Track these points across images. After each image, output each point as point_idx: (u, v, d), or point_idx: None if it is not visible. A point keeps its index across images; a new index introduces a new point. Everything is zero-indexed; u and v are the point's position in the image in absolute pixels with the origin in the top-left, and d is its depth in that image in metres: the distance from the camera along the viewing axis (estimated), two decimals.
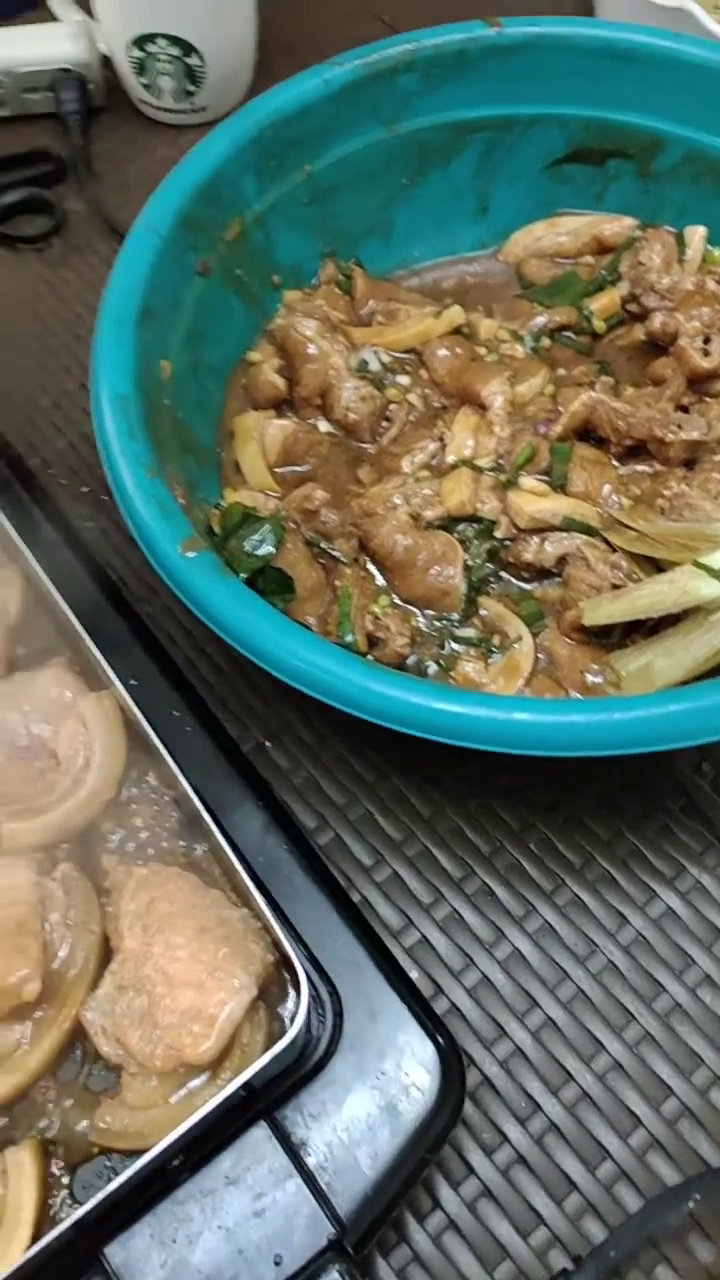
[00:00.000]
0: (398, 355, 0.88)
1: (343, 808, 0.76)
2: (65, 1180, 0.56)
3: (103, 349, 0.73)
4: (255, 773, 0.67)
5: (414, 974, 0.69)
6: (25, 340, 0.99)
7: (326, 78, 0.85)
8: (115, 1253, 0.53)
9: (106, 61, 1.08)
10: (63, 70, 1.06)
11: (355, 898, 0.71)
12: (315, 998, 0.58)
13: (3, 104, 1.08)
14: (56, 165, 1.06)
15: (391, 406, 0.85)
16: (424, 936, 0.72)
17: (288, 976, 0.60)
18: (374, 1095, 0.57)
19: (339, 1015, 0.59)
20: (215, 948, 0.58)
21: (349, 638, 0.73)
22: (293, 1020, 0.55)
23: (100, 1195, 0.52)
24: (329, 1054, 0.58)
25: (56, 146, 1.08)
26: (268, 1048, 0.57)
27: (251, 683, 0.80)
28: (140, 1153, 0.56)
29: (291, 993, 0.59)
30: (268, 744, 0.78)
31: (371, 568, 0.78)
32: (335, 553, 0.77)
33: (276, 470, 0.83)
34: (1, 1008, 0.57)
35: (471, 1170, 0.65)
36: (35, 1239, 0.54)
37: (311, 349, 0.85)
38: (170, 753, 0.61)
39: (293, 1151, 0.55)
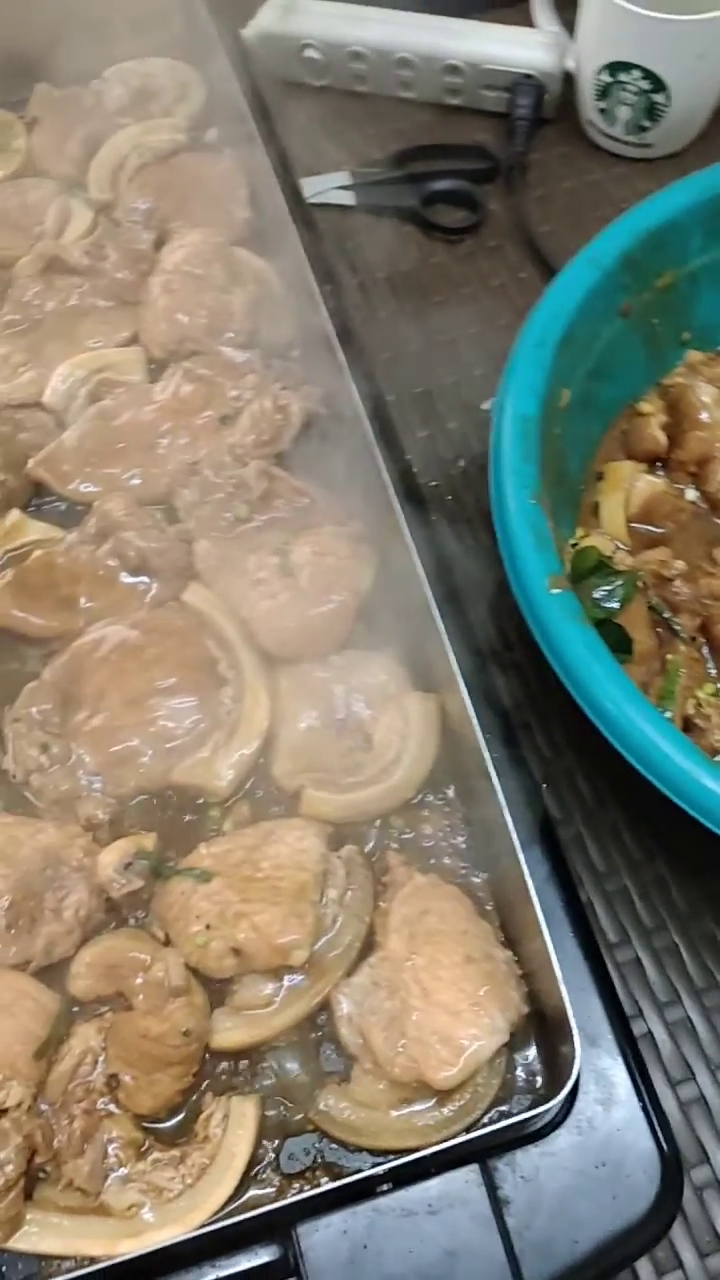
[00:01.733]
0: None
1: (602, 876, 0.75)
2: (275, 1144, 0.58)
3: (519, 367, 0.74)
4: (548, 817, 0.67)
5: None
6: (412, 321, 1.01)
7: None
8: (307, 1233, 0.54)
9: (568, 78, 1.08)
10: (525, 76, 1.07)
11: None
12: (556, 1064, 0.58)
13: (458, 94, 1.10)
14: (490, 165, 1.07)
15: None
16: (649, 1032, 0.70)
17: (534, 1033, 0.59)
18: (590, 1183, 0.56)
19: (574, 1088, 0.58)
20: (479, 981, 0.58)
21: (667, 714, 0.71)
22: (555, 1084, 0.55)
23: (310, 1194, 0.54)
24: (555, 1124, 0.57)
25: (493, 146, 1.09)
26: (499, 1096, 0.58)
27: (544, 720, 0.80)
28: (349, 1146, 0.58)
29: (533, 1052, 0.59)
30: (544, 786, 0.77)
31: (707, 651, 0.76)
32: (676, 625, 0.76)
33: (631, 524, 0.82)
34: (266, 963, 0.59)
35: None
36: (238, 1190, 0.56)
37: (704, 415, 0.83)
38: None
39: (497, 1205, 0.55)
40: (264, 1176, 0.57)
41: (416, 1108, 0.58)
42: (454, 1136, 0.56)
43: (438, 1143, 0.56)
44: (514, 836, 0.57)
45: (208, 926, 0.60)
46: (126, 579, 0.73)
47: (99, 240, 0.87)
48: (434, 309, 1.02)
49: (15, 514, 0.77)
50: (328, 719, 0.68)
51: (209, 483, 0.75)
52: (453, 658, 0.62)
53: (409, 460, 0.91)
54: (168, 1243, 0.54)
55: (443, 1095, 0.57)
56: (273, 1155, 0.58)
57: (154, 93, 0.98)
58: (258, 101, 0.96)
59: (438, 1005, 0.57)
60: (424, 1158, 0.55)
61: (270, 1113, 0.59)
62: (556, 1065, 0.58)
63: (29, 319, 0.84)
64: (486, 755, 0.59)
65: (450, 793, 0.67)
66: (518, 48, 1.07)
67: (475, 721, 0.61)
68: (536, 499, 0.69)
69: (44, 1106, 0.58)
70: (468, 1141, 0.56)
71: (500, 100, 1.09)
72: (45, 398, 0.81)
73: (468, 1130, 0.57)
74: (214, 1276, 0.56)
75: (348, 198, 1.06)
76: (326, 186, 1.06)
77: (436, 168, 1.07)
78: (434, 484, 0.91)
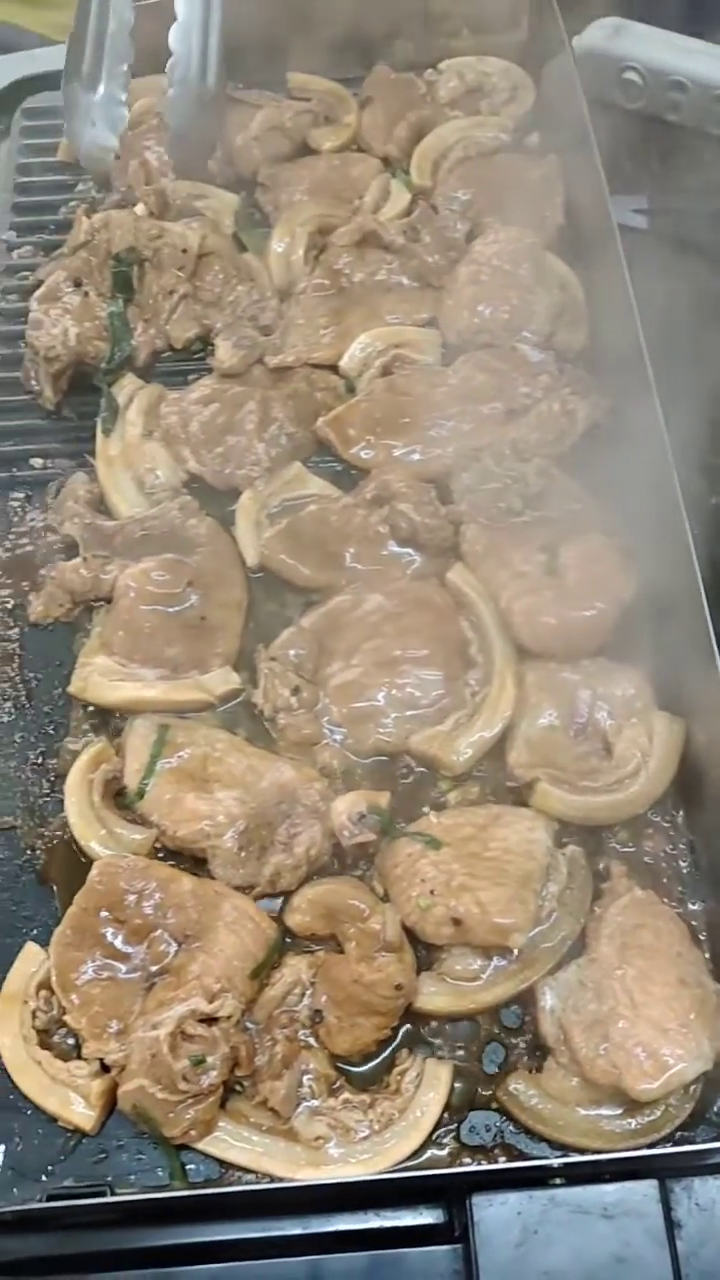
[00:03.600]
0: None
1: None
2: (459, 1114, 0.59)
3: None
4: None
5: None
6: (685, 350, 1.01)
7: None
8: (481, 1204, 0.55)
9: None
10: None
11: None
12: None
13: None
14: None
15: None
16: None
17: None
18: None
19: None
20: (689, 1005, 0.58)
21: None
22: None
23: (494, 1167, 0.56)
24: None
25: None
26: (686, 1121, 0.58)
27: None
28: (531, 1133, 0.59)
29: None
30: None
31: None
32: None
33: None
34: (483, 939, 0.61)
35: None
36: (422, 1147, 0.58)
37: None
38: None
39: (670, 1226, 0.55)
40: (444, 1141, 0.59)
41: (604, 1111, 0.58)
42: (636, 1149, 0.57)
43: (621, 1150, 0.57)
44: None
45: (432, 892, 0.61)
46: (393, 548, 0.76)
47: (414, 223, 0.89)
48: (709, 342, 1.01)
49: (297, 466, 0.80)
50: (568, 720, 0.69)
51: (488, 471, 0.76)
52: None
53: None
54: (347, 1179, 0.56)
55: (633, 1106, 0.58)
56: (455, 1124, 0.59)
57: (486, 91, 1.01)
58: (585, 115, 0.97)
59: (646, 1019, 0.57)
60: (605, 1161, 0.56)
61: (459, 1083, 0.60)
62: None
63: (336, 286, 0.87)
64: None
65: (679, 817, 0.67)
66: None
67: None
68: None
69: (250, 1025, 0.60)
70: (652, 1156, 0.56)
71: None
72: (342, 362, 0.84)
73: (650, 1146, 0.57)
74: (377, 1225, 0.57)
75: (641, 221, 1.07)
76: (624, 207, 1.06)
77: None
78: None
